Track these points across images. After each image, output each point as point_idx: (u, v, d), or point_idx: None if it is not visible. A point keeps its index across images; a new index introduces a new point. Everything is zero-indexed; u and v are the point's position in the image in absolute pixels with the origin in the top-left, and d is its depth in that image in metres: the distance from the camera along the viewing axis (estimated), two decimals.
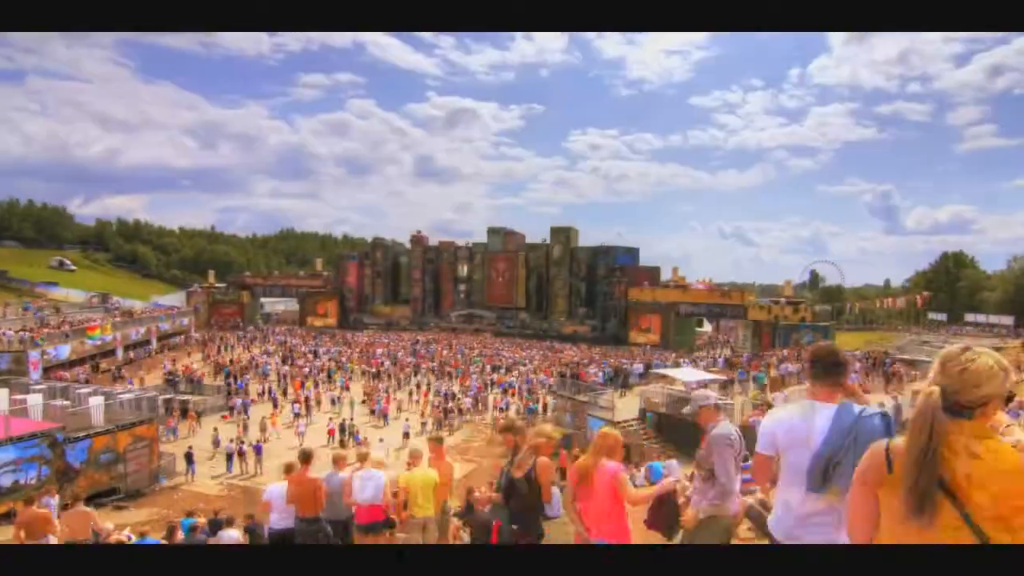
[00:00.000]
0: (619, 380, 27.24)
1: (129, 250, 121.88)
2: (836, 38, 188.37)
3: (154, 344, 48.30)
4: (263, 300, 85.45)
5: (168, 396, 25.46)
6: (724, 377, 24.61)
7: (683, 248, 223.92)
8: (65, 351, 35.80)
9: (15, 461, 15.12)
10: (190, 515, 12.58)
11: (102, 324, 40.94)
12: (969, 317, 55.62)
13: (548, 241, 75.83)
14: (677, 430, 20.16)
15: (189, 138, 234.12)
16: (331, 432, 24.28)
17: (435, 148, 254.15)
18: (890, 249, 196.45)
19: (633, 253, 73.52)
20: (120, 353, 42.08)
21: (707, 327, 77.98)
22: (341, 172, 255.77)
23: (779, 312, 57.33)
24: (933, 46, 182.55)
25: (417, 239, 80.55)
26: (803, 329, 54.69)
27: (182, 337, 53.47)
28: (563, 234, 75.39)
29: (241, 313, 75.84)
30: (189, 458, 19.67)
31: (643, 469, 13.01)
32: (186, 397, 26.45)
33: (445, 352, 50.76)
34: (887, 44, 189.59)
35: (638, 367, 29.83)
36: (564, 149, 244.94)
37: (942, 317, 60.22)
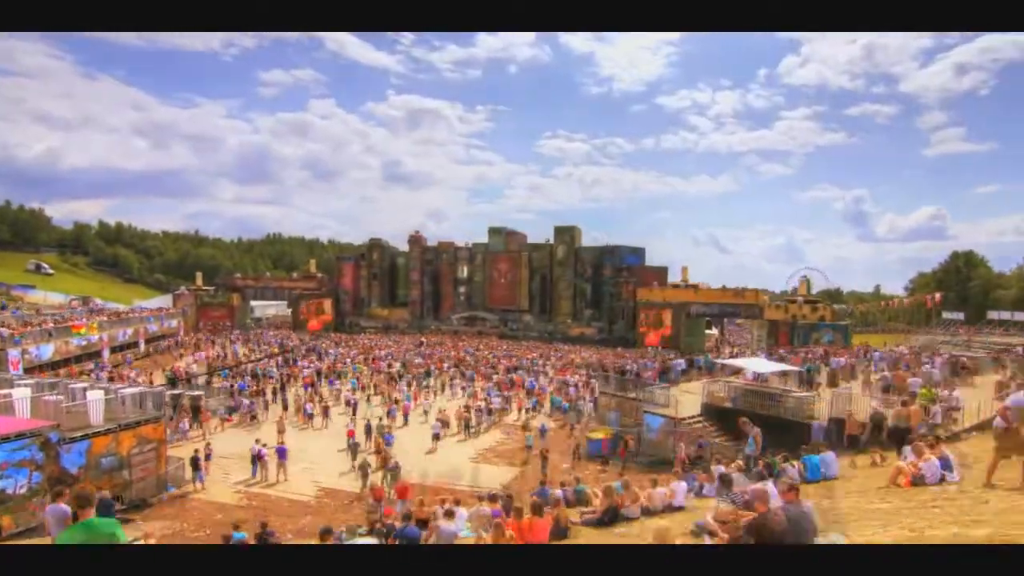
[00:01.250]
0: (664, 376, 24.95)
1: (110, 253, 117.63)
2: (804, 37, 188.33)
3: (142, 346, 45.11)
4: (253, 304, 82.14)
5: (176, 392, 22.63)
6: (797, 368, 22.45)
7: (662, 257, 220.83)
8: (48, 351, 32.68)
9: (0, 466, 12.42)
10: (237, 528, 10.04)
11: (88, 323, 37.78)
12: (992, 315, 54.33)
13: (551, 241, 73.59)
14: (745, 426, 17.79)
15: (140, 138, 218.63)
16: (350, 433, 21.78)
17: (402, 151, 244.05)
18: (864, 256, 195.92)
19: (639, 253, 71.51)
20: (107, 355, 38.93)
21: (712, 330, 76.11)
22: (306, 176, 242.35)
23: (797, 311, 55.60)
24: (898, 43, 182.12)
25: (415, 239, 77.80)
26: (822, 328, 53.04)
27: (170, 339, 50.23)
28: (567, 234, 73.18)
29: (231, 316, 72.49)
30: (196, 463, 16.91)
31: (796, 464, 10.73)
32: (197, 393, 23.58)
33: (453, 354, 48.08)
34: (853, 44, 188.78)
35: (679, 362, 27.66)
36: (536, 154, 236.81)
37: (958, 316, 58.91)
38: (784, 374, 21.00)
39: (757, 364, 21.36)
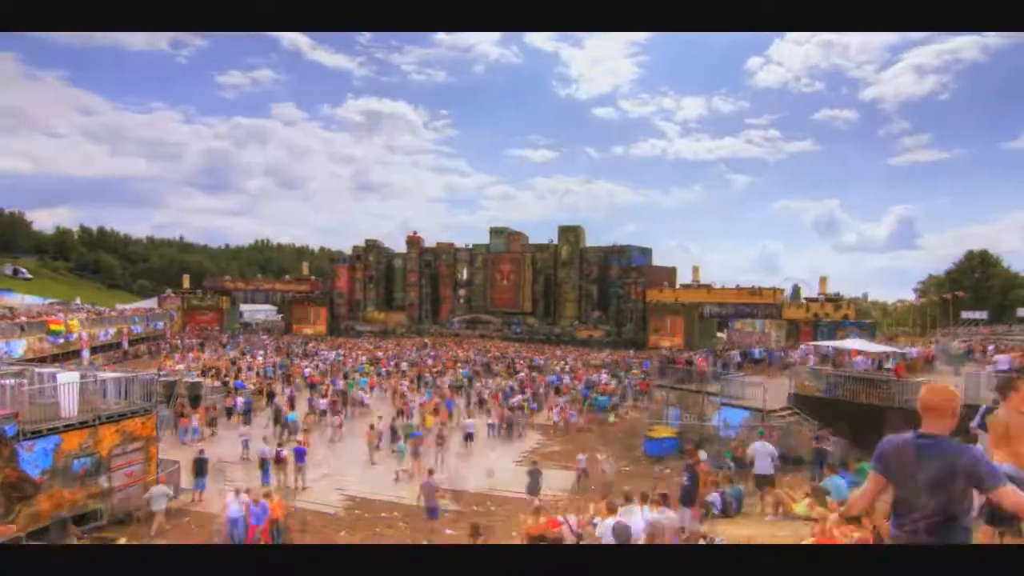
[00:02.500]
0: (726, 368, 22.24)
1: (92, 259, 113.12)
2: (770, 40, 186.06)
3: (126, 346, 41.57)
4: (243, 308, 78.45)
5: (170, 378, 19.34)
6: (914, 349, 19.84)
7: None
8: (19, 348, 29.27)
9: None
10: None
11: (67, 319, 34.31)
12: (1021, 312, 52.32)
13: (555, 241, 70.88)
14: (843, 418, 15.01)
15: (90, 142, 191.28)
16: (369, 433, 18.85)
17: (369, 159, 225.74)
18: (839, 266, 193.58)
19: (647, 253, 69.11)
20: (87, 355, 35.42)
21: (722, 333, 73.65)
22: (271, 184, 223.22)
23: (819, 310, 53.26)
24: (862, 44, 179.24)
25: (413, 240, 74.77)
26: (848, 327, 50.64)
27: (157, 342, 46.65)
28: (571, 234, 70.60)
29: (219, 320, 68.80)
30: (201, 467, 13.81)
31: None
32: (196, 380, 20.31)
33: (460, 354, 45.04)
34: (818, 47, 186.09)
35: (734, 354, 25.08)
36: (505, 162, 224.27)
37: (980, 315, 56.89)
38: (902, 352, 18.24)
39: (861, 344, 18.70)
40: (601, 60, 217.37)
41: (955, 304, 58.88)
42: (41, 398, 11.84)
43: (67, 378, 12.03)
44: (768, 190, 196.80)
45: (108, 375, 13.59)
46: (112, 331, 40.33)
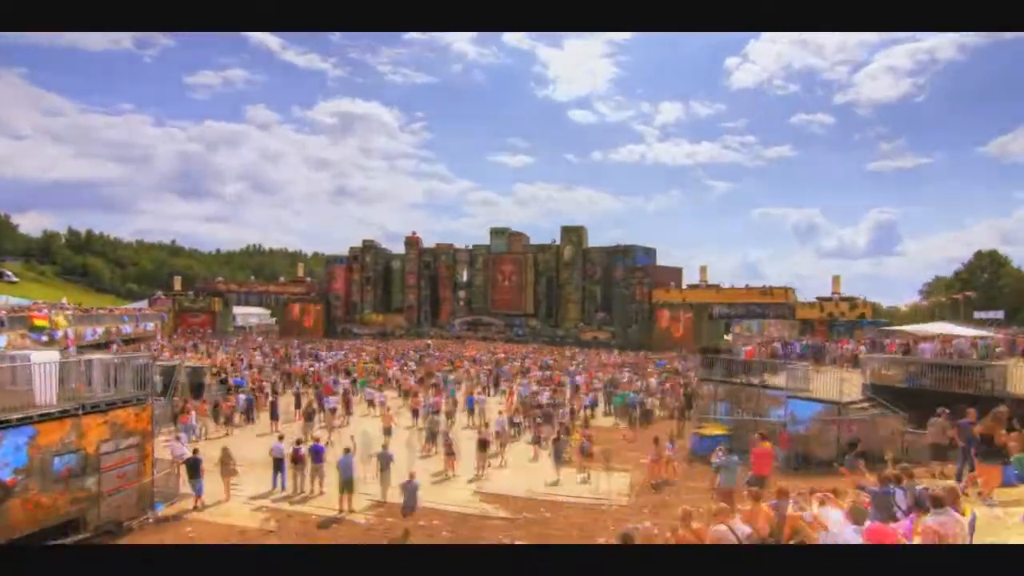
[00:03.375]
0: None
1: (79, 262, 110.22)
2: (745, 40, 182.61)
3: (115, 349, 39.25)
4: (236, 311, 76.07)
5: (169, 363, 17.18)
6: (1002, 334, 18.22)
7: None
8: None
9: None
10: None
11: (52, 316, 32.12)
12: None
13: (558, 242, 69.17)
14: (928, 408, 13.25)
15: (54, 144, 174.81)
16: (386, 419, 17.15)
17: (347, 163, 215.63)
18: (821, 272, 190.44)
19: (651, 253, 67.54)
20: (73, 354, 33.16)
21: (728, 336, 72.05)
22: (247, 188, 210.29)
23: (833, 309, 51.81)
24: (838, 45, 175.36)
25: (411, 241, 72.84)
26: (865, 326, 49.16)
27: (148, 342, 44.38)
28: (574, 234, 68.95)
29: (212, 323, 66.53)
30: (195, 468, 11.81)
31: None
32: (197, 364, 18.20)
33: (467, 353, 43.10)
34: (792, 47, 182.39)
35: (794, 344, 23.45)
36: (485, 167, 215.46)
37: (996, 315, 55.66)
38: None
39: (947, 329, 17.05)
40: (578, 62, 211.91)
41: (965, 305, 57.80)
42: (12, 384, 9.87)
43: (43, 358, 10.07)
44: (747, 196, 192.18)
45: (95, 356, 11.60)
46: (100, 330, 38.12)
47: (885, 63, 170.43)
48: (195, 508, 11.67)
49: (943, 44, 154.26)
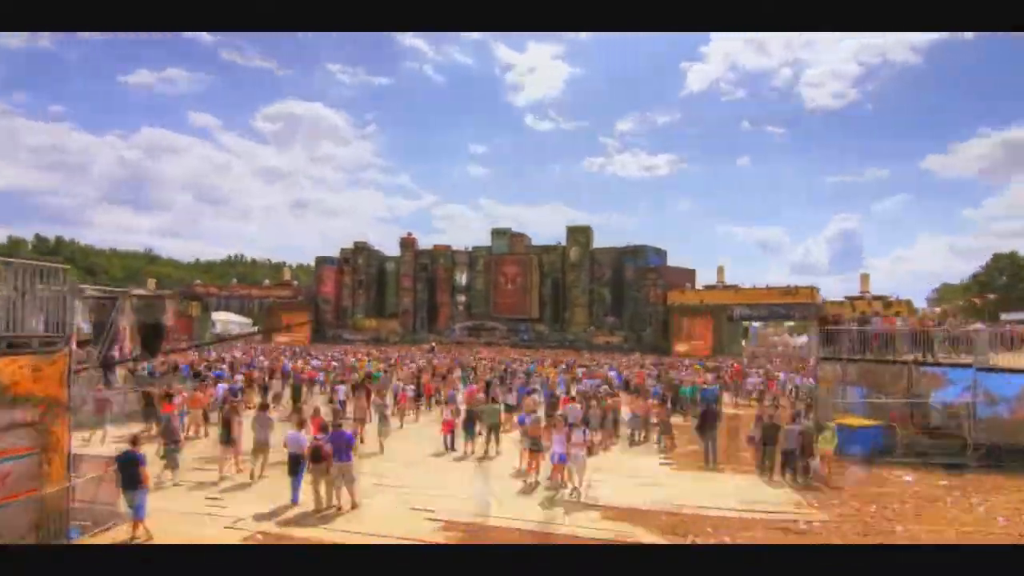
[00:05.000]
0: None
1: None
2: (701, 50, 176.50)
3: (73, 346, 33.91)
4: (215, 317, 70.57)
5: (107, 295, 11.89)
6: None
7: None
8: None
9: None
10: None
11: None
12: None
13: (564, 243, 65.11)
14: None
15: None
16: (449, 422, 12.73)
17: (301, 172, 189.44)
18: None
19: (662, 254, 63.81)
20: None
21: (744, 341, 68.20)
22: (194, 199, 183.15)
23: (866, 308, 48.09)
24: (796, 55, 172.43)
25: (407, 242, 68.32)
26: None
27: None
28: (581, 234, 64.95)
29: (188, 329, 61.11)
30: (130, 473, 7.03)
31: None
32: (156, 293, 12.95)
33: (479, 357, 38.54)
34: (749, 53, 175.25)
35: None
36: (449, 180, 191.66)
37: (1021, 316, 52.45)
38: None
39: None
40: (538, 67, 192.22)
41: (984, 307, 54.77)
42: None
43: None
44: (710, 210, 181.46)
45: None
46: None
47: (845, 70, 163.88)
48: (133, 537, 6.95)
49: (895, 46, 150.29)
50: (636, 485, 10.52)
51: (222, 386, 16.02)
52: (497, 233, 68.10)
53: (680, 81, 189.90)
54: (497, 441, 13.05)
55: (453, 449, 13.18)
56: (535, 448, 10.76)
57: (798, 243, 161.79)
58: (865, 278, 50.67)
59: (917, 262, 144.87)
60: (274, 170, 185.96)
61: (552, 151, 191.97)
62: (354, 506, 8.49)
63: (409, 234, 69.41)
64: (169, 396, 13.03)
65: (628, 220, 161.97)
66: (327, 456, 8.27)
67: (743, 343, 62.83)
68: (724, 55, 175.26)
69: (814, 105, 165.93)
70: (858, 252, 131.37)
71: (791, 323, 78.43)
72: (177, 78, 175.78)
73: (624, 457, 13.47)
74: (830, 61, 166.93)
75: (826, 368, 15.01)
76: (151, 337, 8.56)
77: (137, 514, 7.00)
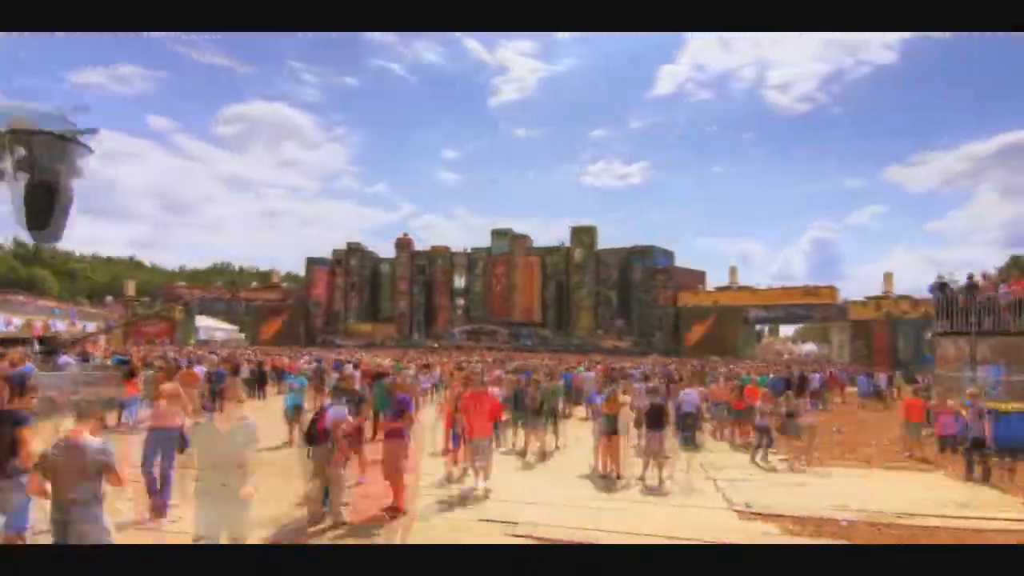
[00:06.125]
0: None
1: (25, 275, 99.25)
2: (674, 55, 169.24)
3: (36, 347, 30.46)
4: (199, 323, 66.80)
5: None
6: None
7: None
8: None
9: None
10: None
11: None
12: None
13: (568, 244, 62.36)
14: None
15: None
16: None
17: (266, 180, 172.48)
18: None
19: (670, 256, 61.18)
20: None
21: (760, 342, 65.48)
22: (158, 209, 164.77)
23: (893, 308, 45.56)
24: (772, 59, 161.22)
25: (403, 243, 65.24)
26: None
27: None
28: (585, 234, 62.23)
29: (170, 333, 57.36)
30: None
31: None
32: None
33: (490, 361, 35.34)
34: (721, 55, 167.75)
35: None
36: (420, 185, 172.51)
37: None
38: None
39: None
40: (513, 66, 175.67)
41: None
42: None
43: None
44: (686, 220, 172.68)
45: None
46: (18, 321, 29.44)
47: (814, 74, 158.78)
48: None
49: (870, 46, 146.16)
50: (776, 485, 7.67)
51: (201, 367, 13.08)
52: (497, 234, 65.27)
53: (652, 84, 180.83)
54: (556, 432, 10.07)
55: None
56: (612, 431, 7.90)
57: (776, 253, 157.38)
58: (888, 277, 48.14)
59: (898, 274, 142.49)
60: (239, 177, 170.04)
61: (526, 158, 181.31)
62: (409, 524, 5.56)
63: (405, 235, 66.43)
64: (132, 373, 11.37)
65: (603, 230, 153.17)
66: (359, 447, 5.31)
67: (764, 343, 60.23)
68: (693, 55, 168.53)
69: (786, 109, 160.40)
70: (836, 263, 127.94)
71: (799, 327, 76.13)
72: (131, 76, 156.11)
73: (721, 452, 10.62)
74: (799, 62, 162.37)
75: (945, 345, 12.16)
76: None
77: (19, 528, 4.09)
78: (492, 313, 61.86)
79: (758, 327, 60.74)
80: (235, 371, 15.65)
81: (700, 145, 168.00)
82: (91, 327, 40.25)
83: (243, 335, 68.41)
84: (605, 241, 61.97)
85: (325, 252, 65.33)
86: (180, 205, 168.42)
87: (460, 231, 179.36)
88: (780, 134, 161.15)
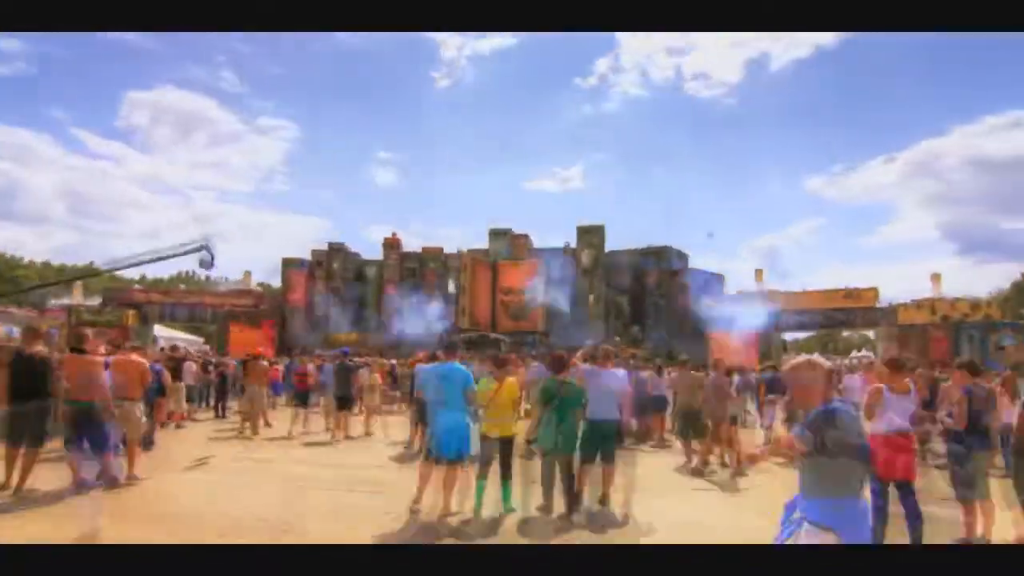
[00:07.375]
0: None
1: None
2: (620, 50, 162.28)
3: None
4: (158, 332, 59.06)
5: None
6: None
7: None
8: None
9: None
10: None
11: None
12: None
13: (574, 245, 56.88)
14: None
15: None
16: None
17: (187, 181, 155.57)
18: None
19: (684, 259, 56.33)
20: None
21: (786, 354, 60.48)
22: (70, 214, 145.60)
23: (949, 310, 40.82)
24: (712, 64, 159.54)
25: (391, 244, 58.90)
26: (1001, 328, 38.42)
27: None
28: (593, 235, 56.89)
29: (126, 341, 49.59)
30: None
31: None
32: None
33: None
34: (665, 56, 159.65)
35: None
36: (369, 186, 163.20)
37: None
38: None
39: None
40: (454, 60, 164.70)
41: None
42: None
43: None
44: (635, 226, 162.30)
45: None
46: None
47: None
48: None
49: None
50: None
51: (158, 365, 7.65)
52: (495, 234, 59.59)
53: (588, 81, 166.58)
54: None
55: None
56: None
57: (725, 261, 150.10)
58: (937, 277, 43.52)
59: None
60: (157, 178, 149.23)
61: (462, 159, 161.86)
62: None
63: (393, 234, 60.09)
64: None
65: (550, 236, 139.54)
66: None
67: (785, 356, 55.16)
68: (633, 54, 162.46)
69: (719, 108, 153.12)
70: (783, 276, 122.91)
71: (810, 335, 71.72)
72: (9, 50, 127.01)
73: None
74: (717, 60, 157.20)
75: None
76: None
77: None
78: (490, 320, 55.79)
79: (788, 336, 55.81)
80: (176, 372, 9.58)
81: (642, 146, 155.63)
82: (16, 332, 33.04)
83: (208, 347, 60.98)
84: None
85: (295, 254, 58.60)
86: (93, 211, 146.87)
87: (410, 236, 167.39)
88: (710, 135, 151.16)
